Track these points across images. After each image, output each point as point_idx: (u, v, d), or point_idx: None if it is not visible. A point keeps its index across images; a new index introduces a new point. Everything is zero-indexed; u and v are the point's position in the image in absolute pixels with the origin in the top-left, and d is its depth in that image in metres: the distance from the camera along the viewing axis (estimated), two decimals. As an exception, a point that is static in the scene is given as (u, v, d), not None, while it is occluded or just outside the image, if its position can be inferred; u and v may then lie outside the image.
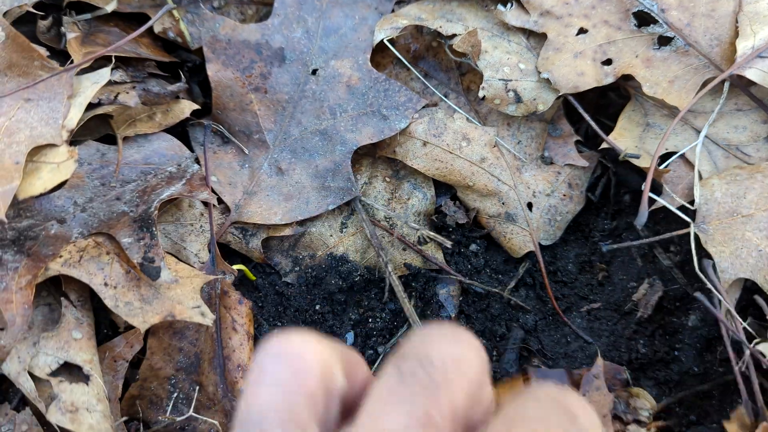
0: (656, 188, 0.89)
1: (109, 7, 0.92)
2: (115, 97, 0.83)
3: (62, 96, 0.82)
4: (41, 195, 0.79)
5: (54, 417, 0.74)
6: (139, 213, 0.82)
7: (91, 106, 0.83)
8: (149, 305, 0.78)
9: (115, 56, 0.87)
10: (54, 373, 0.77)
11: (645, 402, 0.82)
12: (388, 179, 0.97)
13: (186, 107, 0.91)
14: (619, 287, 0.95)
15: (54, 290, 0.83)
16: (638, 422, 0.81)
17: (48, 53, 0.82)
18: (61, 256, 0.77)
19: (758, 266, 0.82)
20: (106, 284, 0.78)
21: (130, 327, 0.85)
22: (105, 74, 0.84)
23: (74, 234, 0.80)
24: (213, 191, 0.91)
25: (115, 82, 0.84)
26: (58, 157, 0.80)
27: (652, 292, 0.93)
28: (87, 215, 0.82)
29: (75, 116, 0.81)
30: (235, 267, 0.88)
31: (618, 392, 0.84)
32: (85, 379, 0.78)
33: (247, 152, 0.93)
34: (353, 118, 0.92)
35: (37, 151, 0.80)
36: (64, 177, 0.79)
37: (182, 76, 0.91)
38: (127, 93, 0.84)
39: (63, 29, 0.89)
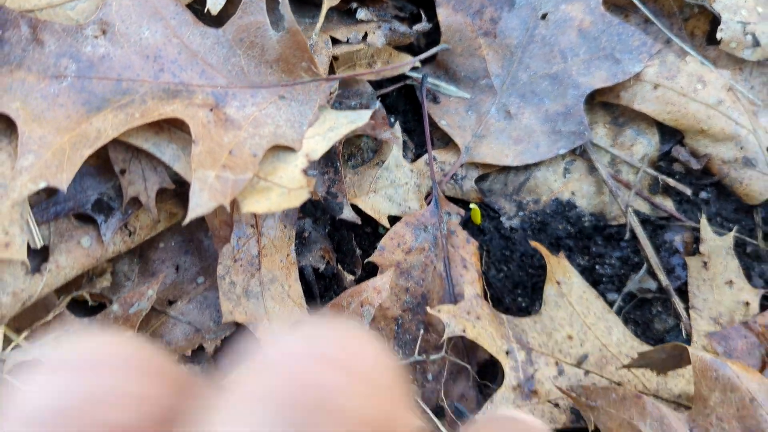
0: None
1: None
2: (364, 36, 0.85)
3: (314, 103, 0.78)
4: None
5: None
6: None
7: (336, 41, 0.85)
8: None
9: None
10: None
11: None
12: (607, 126, 0.96)
13: (408, 62, 0.92)
14: None
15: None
16: None
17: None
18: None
19: None
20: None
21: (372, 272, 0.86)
22: (364, 117, 0.79)
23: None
24: (439, 133, 0.91)
25: (362, 21, 0.86)
26: (292, 182, 0.73)
27: None
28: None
29: (321, 149, 0.75)
30: (471, 206, 0.89)
31: None
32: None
33: (472, 97, 0.94)
34: (585, 62, 0.92)
35: (273, 170, 0.74)
36: (291, 205, 0.71)
37: (423, 16, 0.92)
38: (374, 33, 0.85)
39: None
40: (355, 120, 0.76)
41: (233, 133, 0.71)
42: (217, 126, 0.70)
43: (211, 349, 0.75)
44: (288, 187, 0.72)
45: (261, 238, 0.80)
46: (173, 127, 0.71)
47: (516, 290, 0.90)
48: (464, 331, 0.79)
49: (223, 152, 0.68)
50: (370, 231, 0.91)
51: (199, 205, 0.64)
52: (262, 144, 0.72)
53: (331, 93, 0.79)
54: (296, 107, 0.77)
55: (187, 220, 0.63)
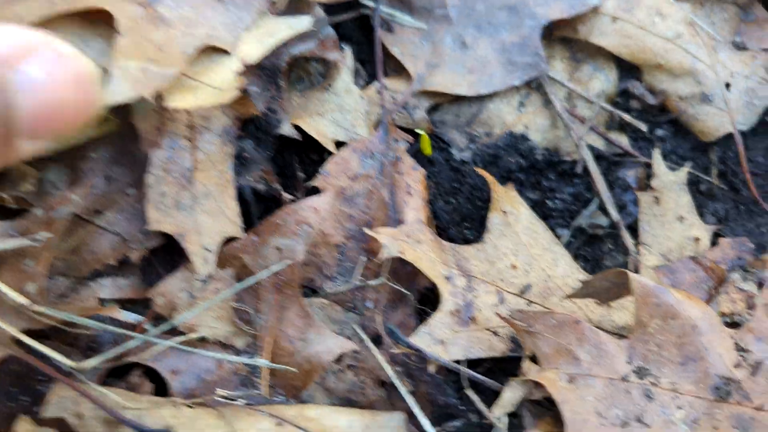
0: None
1: None
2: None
3: (254, 9, 0.76)
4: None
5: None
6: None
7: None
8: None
9: None
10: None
11: None
12: (565, 60, 0.93)
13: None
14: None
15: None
16: None
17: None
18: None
19: None
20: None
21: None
22: (305, 22, 0.78)
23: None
24: (392, 62, 0.89)
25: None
26: (224, 84, 0.72)
27: None
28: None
29: (257, 53, 0.75)
30: (419, 130, 0.86)
31: None
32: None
33: (427, 27, 0.92)
34: (543, -8, 0.89)
35: (205, 71, 0.73)
36: (220, 101, 0.72)
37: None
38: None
39: None
40: (295, 25, 0.74)
41: (164, 31, 0.68)
42: (147, 22, 0.68)
43: (137, 258, 0.73)
44: (219, 87, 0.70)
45: (196, 151, 0.77)
46: (102, 22, 0.68)
47: (464, 223, 0.88)
48: (402, 253, 0.76)
49: (150, 47, 0.66)
50: (316, 158, 0.89)
51: (118, 93, 0.62)
52: (194, 43, 0.70)
53: (273, 3, 0.77)
54: (234, 11, 0.74)
55: (101, 105, 0.60)
